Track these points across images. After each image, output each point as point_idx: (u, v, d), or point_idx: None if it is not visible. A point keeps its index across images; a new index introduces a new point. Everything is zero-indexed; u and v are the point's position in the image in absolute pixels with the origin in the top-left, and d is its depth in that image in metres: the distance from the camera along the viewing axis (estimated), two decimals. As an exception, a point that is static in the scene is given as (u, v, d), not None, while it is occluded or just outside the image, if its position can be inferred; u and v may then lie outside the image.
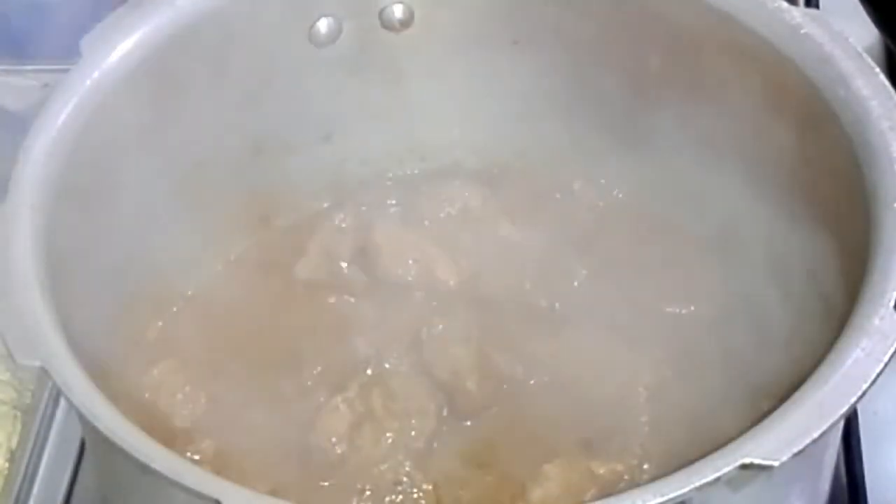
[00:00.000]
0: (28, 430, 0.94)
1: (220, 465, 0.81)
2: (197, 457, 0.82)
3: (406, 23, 0.94)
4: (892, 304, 0.70)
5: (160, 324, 0.92)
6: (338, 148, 0.98)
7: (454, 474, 0.83)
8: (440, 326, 0.88)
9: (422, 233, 0.94)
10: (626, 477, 0.81)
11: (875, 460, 0.91)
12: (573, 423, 0.84)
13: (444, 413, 0.86)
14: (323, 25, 0.92)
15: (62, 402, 0.95)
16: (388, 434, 0.84)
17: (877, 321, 0.69)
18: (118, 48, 0.84)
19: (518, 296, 0.91)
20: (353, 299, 0.92)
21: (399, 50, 0.94)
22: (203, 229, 0.93)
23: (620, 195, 0.96)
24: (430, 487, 0.82)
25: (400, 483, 0.82)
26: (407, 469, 0.82)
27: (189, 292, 0.94)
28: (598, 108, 0.94)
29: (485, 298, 0.91)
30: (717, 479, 0.64)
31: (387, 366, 0.87)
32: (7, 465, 0.93)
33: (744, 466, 0.64)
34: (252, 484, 0.80)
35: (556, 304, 0.90)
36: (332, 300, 0.92)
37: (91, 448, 0.85)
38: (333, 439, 0.83)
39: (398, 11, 0.93)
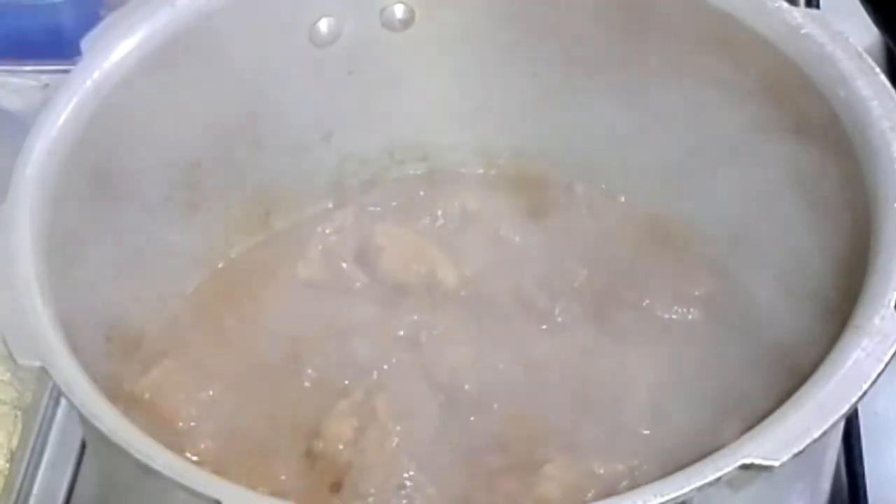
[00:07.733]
0: (28, 430, 0.94)
1: (220, 465, 0.81)
2: (197, 457, 0.82)
3: (407, 23, 0.93)
4: (892, 304, 0.70)
5: (160, 324, 0.92)
6: (338, 148, 0.98)
7: (456, 476, 0.83)
8: (440, 327, 0.88)
9: (422, 233, 0.94)
10: (626, 477, 0.81)
11: (875, 460, 0.91)
12: (573, 423, 0.84)
13: (445, 414, 0.86)
14: (323, 25, 0.92)
15: (62, 402, 0.95)
16: (393, 438, 0.83)
17: (877, 321, 0.69)
18: (118, 48, 0.84)
19: (518, 296, 0.91)
20: (353, 300, 0.92)
21: (400, 50, 0.94)
22: (203, 229, 0.93)
23: (621, 196, 0.96)
24: (434, 491, 0.82)
25: (403, 487, 0.82)
26: (411, 473, 0.82)
27: (189, 292, 0.94)
28: (598, 108, 0.94)
29: (485, 298, 0.91)
30: (718, 480, 0.64)
31: (386, 367, 0.87)
32: (7, 465, 0.93)
33: (744, 467, 0.64)
34: (252, 486, 0.80)
35: (556, 305, 0.90)
36: (332, 301, 0.92)
37: (91, 448, 0.85)
38: (340, 446, 0.82)
39: (399, 11, 0.93)
